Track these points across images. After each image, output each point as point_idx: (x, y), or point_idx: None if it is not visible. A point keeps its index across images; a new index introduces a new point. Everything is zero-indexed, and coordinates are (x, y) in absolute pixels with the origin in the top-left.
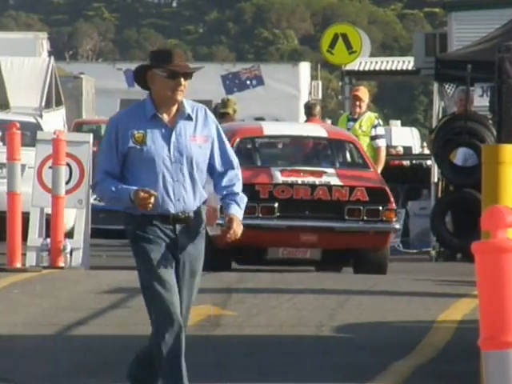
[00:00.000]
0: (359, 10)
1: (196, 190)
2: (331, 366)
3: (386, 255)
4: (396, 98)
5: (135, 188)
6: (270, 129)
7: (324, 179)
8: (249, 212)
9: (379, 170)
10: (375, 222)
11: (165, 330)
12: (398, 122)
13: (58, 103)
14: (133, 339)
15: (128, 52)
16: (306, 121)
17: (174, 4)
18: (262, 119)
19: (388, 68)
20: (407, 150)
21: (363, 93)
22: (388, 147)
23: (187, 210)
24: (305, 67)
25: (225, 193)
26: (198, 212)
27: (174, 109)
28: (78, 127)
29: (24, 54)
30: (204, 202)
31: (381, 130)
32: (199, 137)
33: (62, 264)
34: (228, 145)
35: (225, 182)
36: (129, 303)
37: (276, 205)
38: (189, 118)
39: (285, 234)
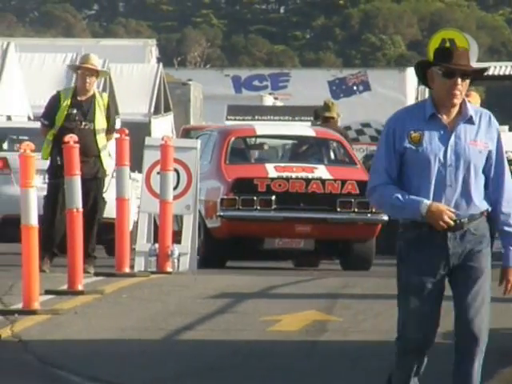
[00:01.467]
0: (467, 16)
1: (470, 196)
2: (437, 372)
3: (372, 248)
4: (504, 103)
5: (429, 202)
6: (262, 129)
7: (316, 174)
8: (247, 204)
9: None
10: (365, 214)
11: (405, 344)
12: (506, 127)
13: (167, 109)
14: (239, 344)
15: (235, 58)
16: None
17: (282, 10)
18: (368, 125)
19: (496, 73)
20: None
21: (474, 98)
22: None
23: (459, 217)
24: (412, 73)
25: (502, 221)
26: (474, 219)
27: (455, 110)
28: (186, 133)
29: (133, 60)
30: (481, 212)
31: None
32: (480, 142)
33: (169, 269)
34: (505, 158)
35: (504, 207)
36: (235, 308)
37: (273, 197)
38: (471, 121)
39: (281, 225)
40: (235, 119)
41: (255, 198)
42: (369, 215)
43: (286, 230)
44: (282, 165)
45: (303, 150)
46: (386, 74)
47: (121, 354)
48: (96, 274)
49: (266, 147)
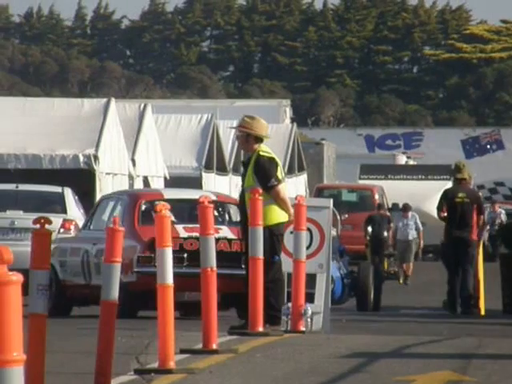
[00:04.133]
0: None
1: None
2: None
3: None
4: None
5: None
6: (169, 193)
7: (222, 234)
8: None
9: None
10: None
11: None
12: None
13: (300, 169)
14: None
15: (369, 117)
16: None
17: (415, 70)
18: (501, 184)
19: None
20: None
21: None
22: None
23: None
24: None
25: None
26: None
27: None
28: (319, 192)
29: (267, 121)
30: None
31: None
32: None
33: (302, 328)
34: None
35: None
36: (369, 367)
37: (185, 255)
38: None
39: (191, 280)
40: (368, 178)
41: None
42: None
43: (195, 285)
44: (190, 226)
45: None
46: None
47: None
48: (230, 333)
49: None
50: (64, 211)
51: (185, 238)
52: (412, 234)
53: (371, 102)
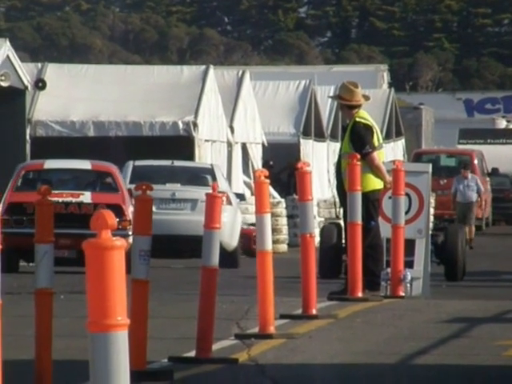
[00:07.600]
0: None
1: None
2: None
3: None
4: None
5: None
6: (49, 164)
7: (80, 199)
8: (20, 223)
9: None
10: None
11: None
12: None
13: (398, 134)
14: (473, 369)
15: (468, 81)
16: None
17: None
18: None
19: None
20: None
21: None
22: None
23: None
24: None
25: None
26: None
27: None
28: (418, 157)
29: (365, 86)
30: None
31: None
32: None
33: (402, 293)
34: None
35: None
36: (469, 332)
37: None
38: None
39: None
40: (467, 143)
41: (24, 218)
42: (117, 231)
43: None
44: (56, 192)
45: (81, 179)
46: None
47: (356, 377)
48: (329, 299)
49: (55, 177)
50: None
51: None
52: (474, 197)
53: (470, 65)
